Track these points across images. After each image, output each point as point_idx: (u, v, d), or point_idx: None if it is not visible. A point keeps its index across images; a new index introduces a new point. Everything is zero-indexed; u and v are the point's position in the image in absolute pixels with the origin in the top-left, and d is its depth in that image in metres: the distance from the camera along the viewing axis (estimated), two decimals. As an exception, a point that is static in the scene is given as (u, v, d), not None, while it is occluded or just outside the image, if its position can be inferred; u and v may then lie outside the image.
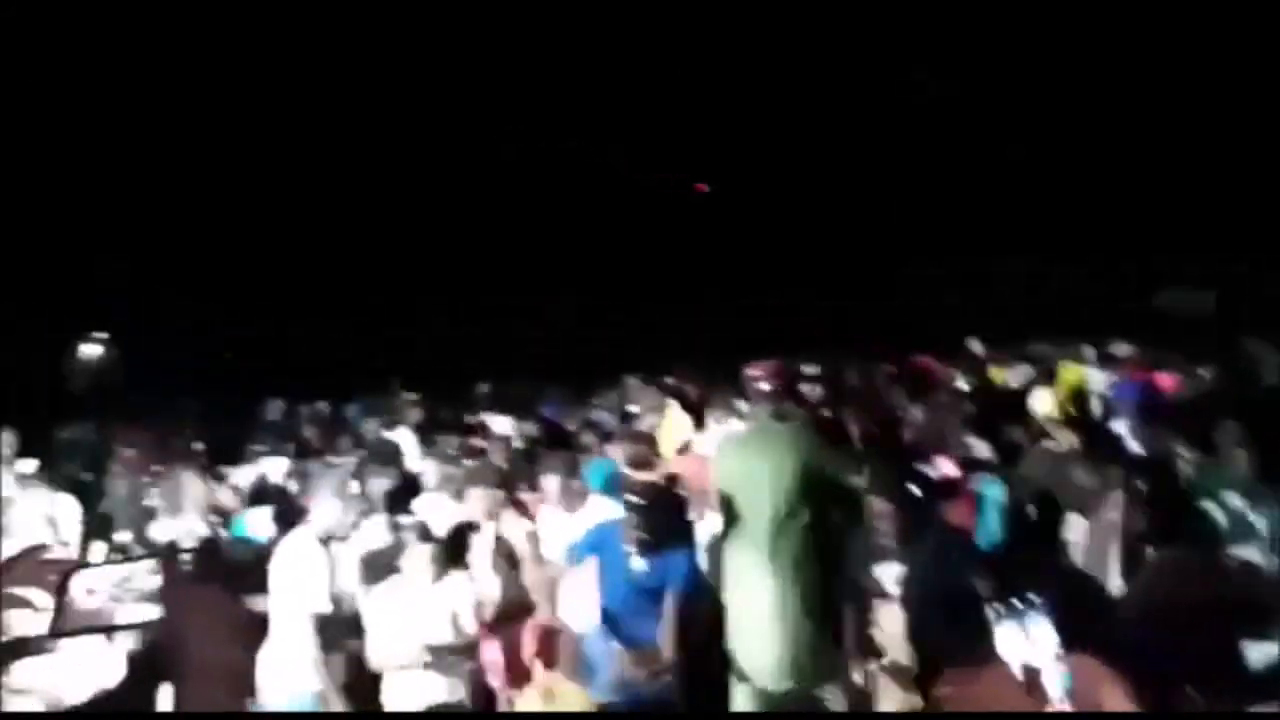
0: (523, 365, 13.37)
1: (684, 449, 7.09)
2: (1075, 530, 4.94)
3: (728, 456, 5.02)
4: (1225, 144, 14.48)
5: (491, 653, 5.24)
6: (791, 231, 18.81)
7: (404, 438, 8.82)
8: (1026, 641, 3.04)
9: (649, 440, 6.59)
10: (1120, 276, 15.71)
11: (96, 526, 6.13)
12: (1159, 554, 4.50)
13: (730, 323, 16.86)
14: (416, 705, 4.89)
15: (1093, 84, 15.17)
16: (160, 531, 6.21)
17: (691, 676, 4.79)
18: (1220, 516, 4.80)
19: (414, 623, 4.91)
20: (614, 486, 6.01)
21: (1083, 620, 3.34)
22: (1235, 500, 4.81)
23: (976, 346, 10.75)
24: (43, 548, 4.66)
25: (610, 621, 4.75)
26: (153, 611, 4.32)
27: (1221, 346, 8.52)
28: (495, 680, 5.32)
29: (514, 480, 6.59)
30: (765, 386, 4.92)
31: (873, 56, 15.92)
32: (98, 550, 5.35)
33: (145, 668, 4.51)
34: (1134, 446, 6.46)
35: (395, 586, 5.04)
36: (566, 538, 5.28)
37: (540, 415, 9.70)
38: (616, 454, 6.39)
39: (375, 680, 5.06)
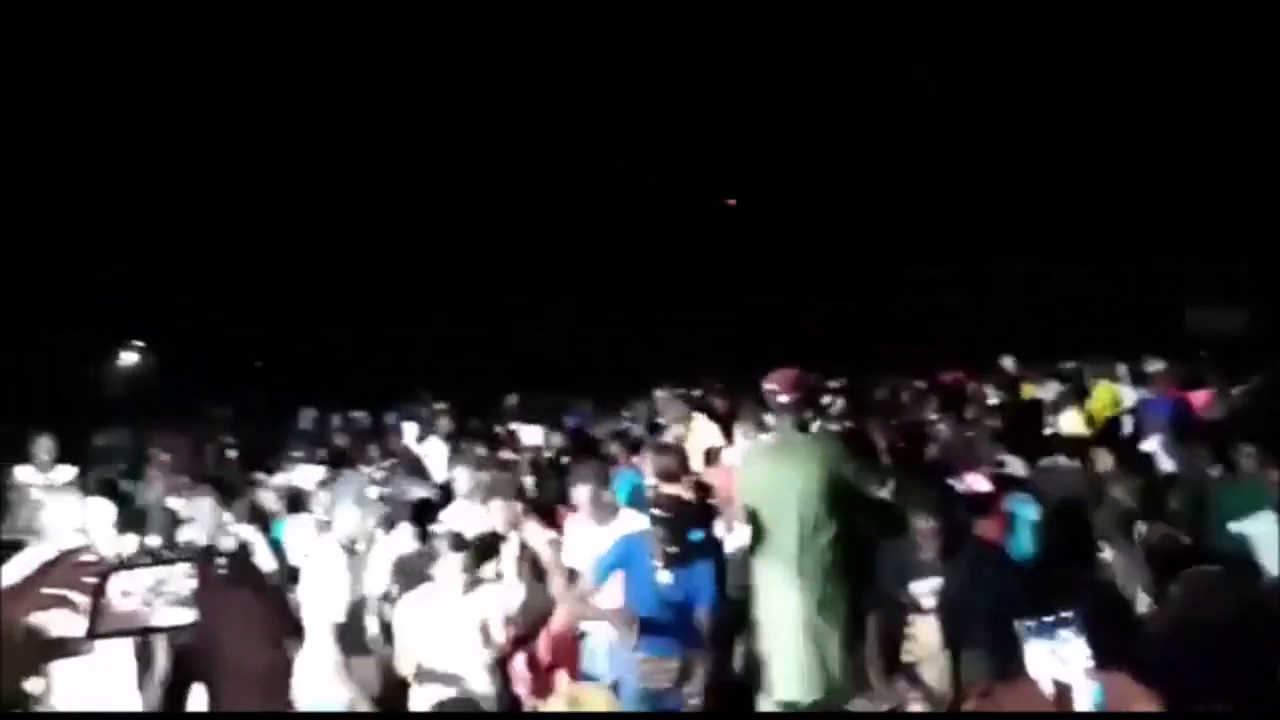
0: (550, 376, 13.41)
1: (712, 458, 7.09)
2: (1107, 547, 4.89)
3: (753, 468, 5.02)
4: (1226, 144, 14.35)
5: (518, 662, 5.26)
6: (792, 232, 18.79)
7: (435, 447, 8.89)
8: (1057, 658, 3.01)
9: (678, 452, 6.59)
10: (1120, 277, 15.62)
11: (130, 531, 6.20)
12: (1190, 571, 4.46)
13: (731, 323, 16.90)
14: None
15: (1093, 84, 15.06)
16: (191, 536, 6.27)
17: (716, 688, 4.78)
18: (1249, 534, 4.74)
19: (444, 631, 4.94)
20: (639, 499, 6.03)
21: (1115, 637, 3.31)
22: (1262, 519, 4.75)
23: (1009, 363, 10.70)
24: (80, 550, 4.75)
25: (637, 634, 4.75)
26: (188, 615, 4.37)
27: (1254, 365, 8.43)
28: (522, 690, 5.33)
29: (542, 490, 6.61)
30: (784, 399, 4.91)
31: (873, 57, 15.86)
32: (132, 554, 5.41)
33: (180, 670, 4.57)
34: (1166, 464, 6.41)
35: (426, 594, 5.07)
36: (593, 549, 5.29)
37: (567, 426, 9.75)
38: (645, 465, 6.39)
39: (403, 688, 5.09)
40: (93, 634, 1.94)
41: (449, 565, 5.02)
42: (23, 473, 7.85)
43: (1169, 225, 14.84)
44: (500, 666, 5.13)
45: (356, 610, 5.24)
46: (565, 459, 7.92)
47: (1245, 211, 14.12)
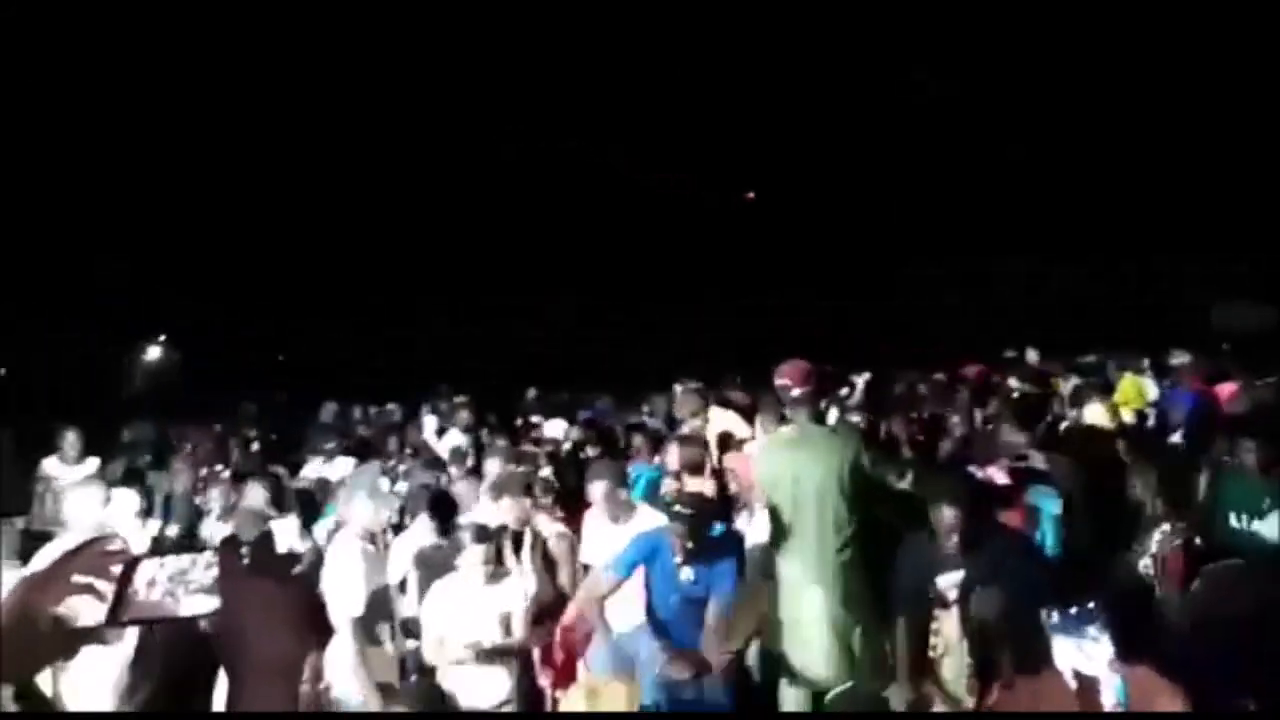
0: (568, 372, 13.45)
1: (731, 443, 7.09)
2: (1131, 541, 4.86)
3: (770, 461, 5.02)
4: (1226, 144, 14.25)
5: (538, 653, 5.28)
6: (792, 232, 18.76)
7: (454, 440, 8.92)
8: (1081, 651, 3.00)
9: (703, 444, 6.60)
10: (1120, 277, 15.53)
11: (154, 521, 6.27)
12: (1211, 567, 4.43)
13: (730, 323, 16.87)
14: (466, 704, 4.93)
15: (1092, 84, 14.98)
16: (214, 528, 6.33)
17: (737, 679, 4.79)
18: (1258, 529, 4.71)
19: (467, 621, 4.96)
20: (656, 493, 6.04)
21: (1138, 631, 3.29)
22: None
23: (1033, 356, 10.64)
24: (105, 539, 4.80)
25: (658, 627, 4.77)
26: (211, 604, 4.40)
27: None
28: (544, 680, 5.35)
29: (562, 481, 6.62)
30: (796, 392, 4.89)
31: (873, 57, 15.83)
32: (155, 544, 5.48)
33: (203, 660, 4.60)
34: (1187, 456, 6.35)
35: (450, 584, 5.09)
36: (609, 545, 5.30)
37: (582, 418, 9.78)
38: (669, 458, 6.39)
39: (426, 677, 5.12)
40: (116, 622, 1.96)
41: (472, 556, 5.04)
42: (49, 465, 7.96)
43: (1169, 225, 14.79)
44: (521, 657, 5.15)
45: (375, 602, 5.27)
46: (584, 452, 7.94)
47: (1245, 211, 14.05)
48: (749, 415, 7.63)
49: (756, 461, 5.27)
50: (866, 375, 9.56)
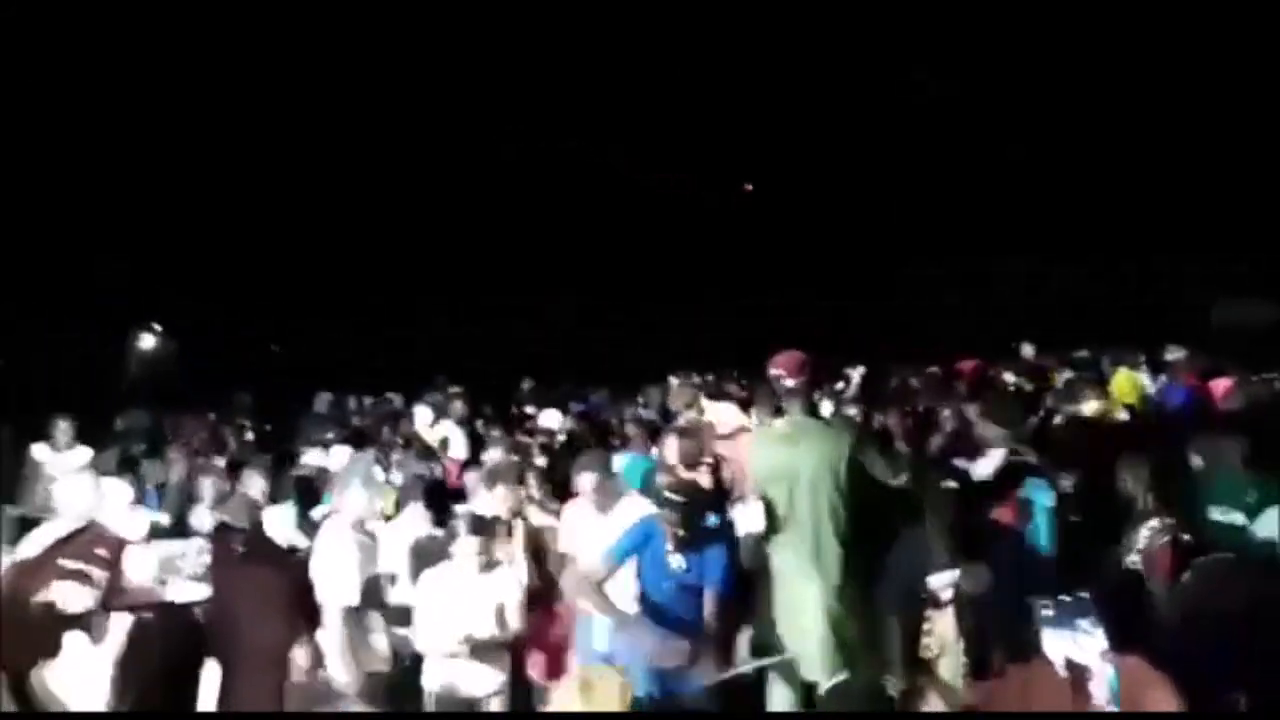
0: (563, 366, 13.45)
1: (724, 432, 7.09)
2: (1122, 534, 4.87)
3: (763, 452, 5.01)
4: (1226, 144, 14.27)
5: (531, 644, 5.29)
6: (792, 232, 18.77)
7: (448, 431, 8.92)
8: (1074, 642, 3.00)
9: (701, 437, 6.60)
10: (1120, 277, 15.55)
11: (146, 509, 6.26)
12: (1201, 560, 4.44)
13: (730, 323, 16.89)
14: (458, 693, 4.94)
15: (1092, 84, 15.00)
16: (207, 517, 6.32)
17: (726, 671, 4.79)
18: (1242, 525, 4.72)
19: (460, 611, 4.97)
20: (651, 485, 6.03)
21: (1130, 622, 3.30)
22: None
23: (1029, 350, 10.65)
24: (96, 525, 4.80)
25: (650, 615, 4.77)
26: (202, 591, 4.40)
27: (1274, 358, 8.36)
28: (535, 671, 5.35)
29: (555, 472, 6.62)
30: (790, 383, 4.88)
31: (873, 57, 15.84)
32: (147, 532, 5.47)
33: (196, 648, 4.59)
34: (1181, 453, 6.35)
35: (444, 574, 5.09)
36: (595, 535, 5.30)
37: (574, 410, 9.78)
38: (666, 449, 6.39)
39: (415, 669, 5.12)
40: (107, 608, 1.95)
41: (466, 545, 5.05)
42: (38, 451, 7.94)
43: (1169, 225, 14.81)
44: (513, 647, 5.16)
45: (367, 591, 5.27)
46: (577, 442, 7.95)
47: (1245, 211, 14.08)
48: (744, 408, 7.64)
49: (750, 452, 5.26)
50: (861, 369, 9.57)
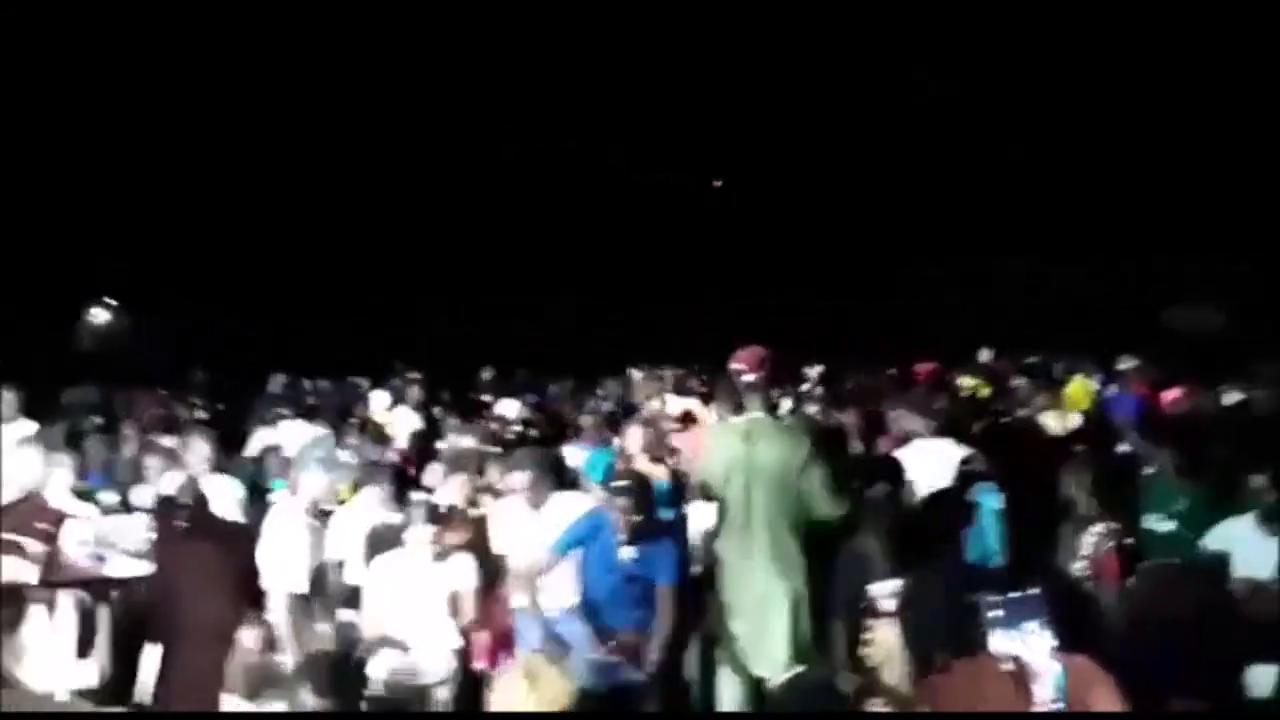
0: (526, 360, 13.36)
1: (686, 421, 7.10)
2: (1069, 539, 4.93)
3: (718, 447, 5.01)
4: (1226, 144, 14.47)
5: (479, 634, 5.24)
6: (792, 231, 18.82)
7: (404, 416, 8.85)
8: (1022, 642, 3.02)
9: (663, 428, 6.63)
10: (1120, 277, 15.71)
11: (90, 484, 6.12)
12: (1148, 565, 4.52)
13: (730, 323, 16.86)
14: (401, 681, 4.88)
15: (1092, 84, 15.15)
16: (151, 493, 6.19)
17: (671, 663, 4.79)
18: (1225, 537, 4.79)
19: (411, 599, 4.92)
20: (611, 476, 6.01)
21: (1078, 622, 3.33)
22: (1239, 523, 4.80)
23: (985, 355, 10.74)
24: (36, 497, 4.69)
25: (593, 608, 4.75)
26: (143, 567, 4.30)
27: (1230, 365, 8.49)
28: (482, 661, 5.31)
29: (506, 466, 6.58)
30: (750, 378, 4.89)
31: (873, 57, 15.91)
32: (90, 507, 5.35)
33: (133, 623, 4.50)
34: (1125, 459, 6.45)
35: (396, 560, 5.04)
36: (529, 530, 5.28)
37: (535, 402, 9.75)
38: (630, 440, 6.38)
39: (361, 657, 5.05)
40: (45, 583, 1.90)
41: (420, 533, 5.00)
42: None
43: (1169, 225, 14.95)
44: (463, 636, 5.12)
45: (317, 574, 5.19)
46: (531, 433, 7.93)
47: (1245, 211, 14.25)
48: (705, 402, 7.66)
49: (707, 446, 5.27)
50: (820, 368, 9.61)
